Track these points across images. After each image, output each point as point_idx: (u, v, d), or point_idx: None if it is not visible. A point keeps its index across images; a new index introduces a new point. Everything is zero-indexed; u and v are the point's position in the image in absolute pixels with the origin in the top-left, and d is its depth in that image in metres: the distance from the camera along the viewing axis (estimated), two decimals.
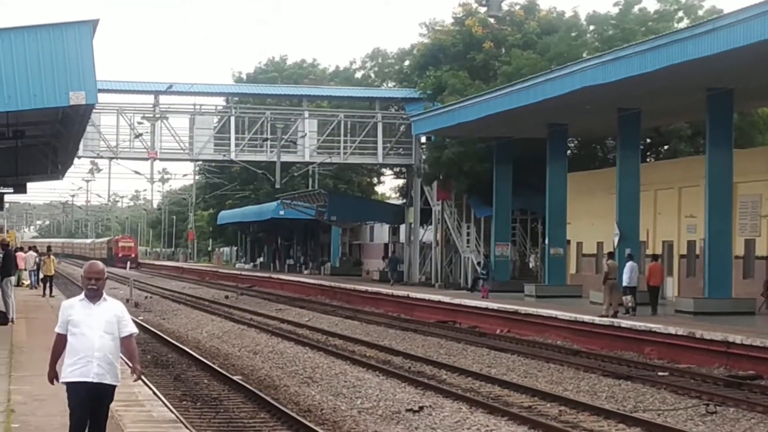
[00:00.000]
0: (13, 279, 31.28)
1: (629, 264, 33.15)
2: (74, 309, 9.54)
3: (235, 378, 23.10)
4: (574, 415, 19.00)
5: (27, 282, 48.41)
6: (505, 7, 52.15)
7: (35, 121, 25.22)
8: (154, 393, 16.84)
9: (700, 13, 50.10)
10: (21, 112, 21.56)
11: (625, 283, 32.62)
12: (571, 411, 19.43)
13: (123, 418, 13.47)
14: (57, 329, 9.62)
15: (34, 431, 12.45)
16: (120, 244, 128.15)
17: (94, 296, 9.50)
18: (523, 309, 35.42)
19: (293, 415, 17.92)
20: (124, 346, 9.65)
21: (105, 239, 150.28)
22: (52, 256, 44.84)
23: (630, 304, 32.18)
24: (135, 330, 9.80)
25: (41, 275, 45.74)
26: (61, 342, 9.58)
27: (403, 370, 25.57)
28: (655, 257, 35.48)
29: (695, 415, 19.15)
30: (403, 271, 60.11)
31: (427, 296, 43.85)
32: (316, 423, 17.68)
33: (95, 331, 9.44)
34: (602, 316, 30.86)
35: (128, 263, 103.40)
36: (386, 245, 72.18)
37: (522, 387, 22.35)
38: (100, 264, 9.80)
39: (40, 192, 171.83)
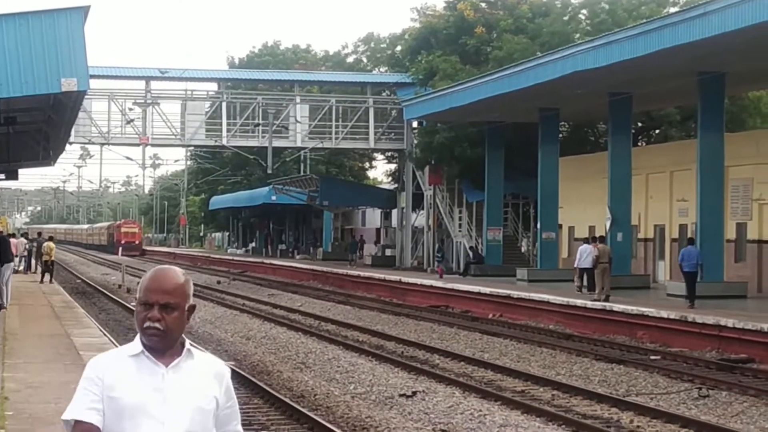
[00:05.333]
0: (12, 265, 31.13)
1: (583, 246, 34.74)
2: (121, 377, 3.92)
3: (227, 364, 23.07)
4: (566, 399, 19.05)
5: (20, 268, 48.37)
6: None
7: (27, 107, 25.21)
8: None
9: None
10: (12, 99, 21.55)
11: (576, 264, 34.68)
12: (563, 395, 19.49)
13: None
14: (72, 415, 3.85)
15: (28, 419, 12.37)
16: (123, 229, 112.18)
17: (161, 347, 3.99)
18: (515, 293, 35.48)
19: (286, 400, 17.95)
20: None
21: (105, 224, 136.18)
22: (50, 243, 44.80)
23: (580, 283, 34.20)
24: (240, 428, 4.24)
25: (35, 262, 45.58)
26: None
27: (396, 354, 25.62)
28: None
29: (688, 398, 19.22)
30: (359, 254, 63.77)
31: (419, 281, 43.92)
32: (310, 408, 17.69)
33: (170, 427, 3.90)
34: (594, 300, 30.95)
35: (120, 250, 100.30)
36: (378, 230, 72.13)
37: (515, 371, 22.42)
38: (177, 273, 4.04)
39: (31, 178, 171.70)
